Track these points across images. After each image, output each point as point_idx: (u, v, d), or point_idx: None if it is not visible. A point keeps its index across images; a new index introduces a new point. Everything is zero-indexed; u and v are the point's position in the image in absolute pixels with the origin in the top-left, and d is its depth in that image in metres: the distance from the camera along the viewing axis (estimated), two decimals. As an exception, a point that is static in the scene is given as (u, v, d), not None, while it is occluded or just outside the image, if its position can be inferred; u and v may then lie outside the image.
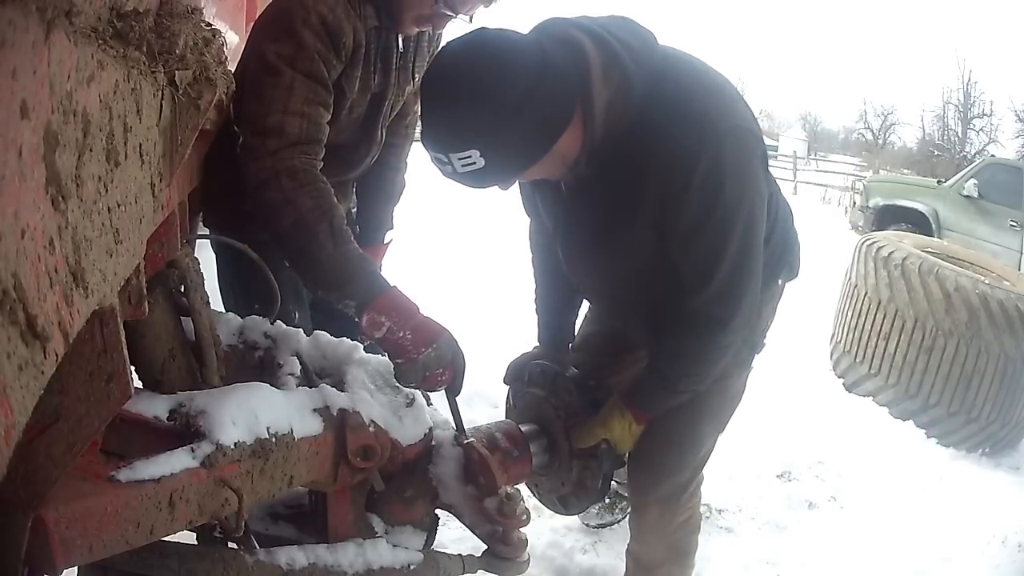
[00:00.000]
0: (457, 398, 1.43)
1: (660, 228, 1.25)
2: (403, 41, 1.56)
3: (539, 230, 1.64)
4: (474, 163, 1.09)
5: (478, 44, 1.10)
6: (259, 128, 1.33)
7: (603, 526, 2.28)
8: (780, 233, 1.47)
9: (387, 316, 1.29)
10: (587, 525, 2.29)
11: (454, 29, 1.53)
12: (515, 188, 1.41)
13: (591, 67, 1.14)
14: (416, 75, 1.66)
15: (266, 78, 1.33)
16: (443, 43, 1.70)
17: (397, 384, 1.39)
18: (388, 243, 2.02)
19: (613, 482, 1.69)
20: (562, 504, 1.64)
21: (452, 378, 1.38)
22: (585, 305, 1.75)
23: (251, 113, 1.34)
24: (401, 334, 1.30)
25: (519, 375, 1.70)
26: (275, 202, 1.31)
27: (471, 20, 1.49)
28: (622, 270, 1.39)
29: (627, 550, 1.76)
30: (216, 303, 1.52)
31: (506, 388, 1.77)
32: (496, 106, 1.06)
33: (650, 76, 1.17)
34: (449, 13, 1.44)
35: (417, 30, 1.52)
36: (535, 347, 1.75)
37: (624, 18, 1.26)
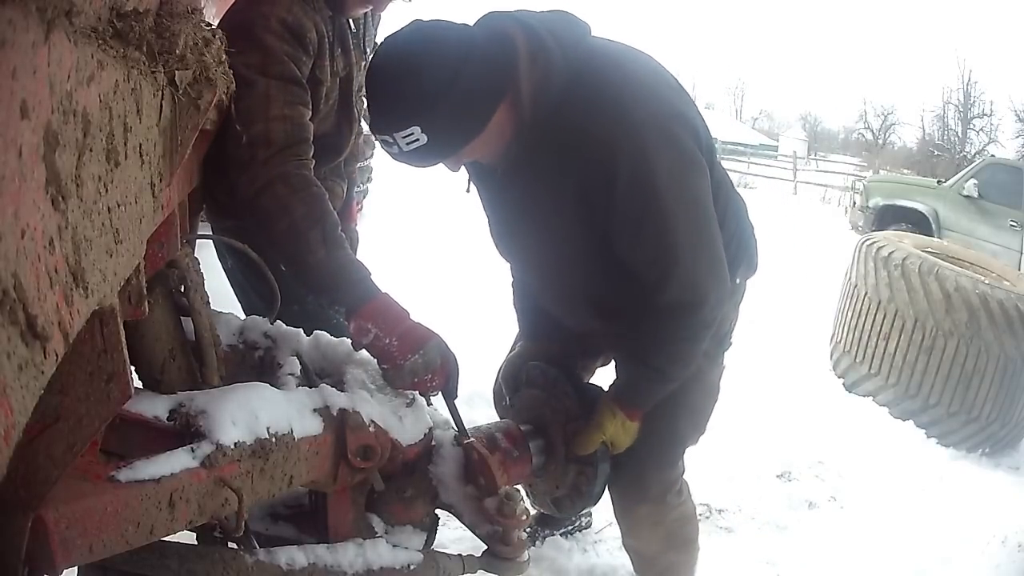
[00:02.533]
0: (456, 400, 1.44)
1: (588, 221, 1.27)
2: (353, 22, 1.65)
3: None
4: (417, 140, 1.16)
5: (409, 32, 1.19)
6: (244, 139, 1.33)
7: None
8: (733, 226, 1.46)
9: (373, 323, 1.31)
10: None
11: (395, 9, 1.64)
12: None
13: (518, 52, 1.22)
14: (367, 50, 1.76)
15: (241, 91, 1.33)
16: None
17: (395, 385, 1.39)
18: (363, 195, 2.20)
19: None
20: (556, 506, 1.64)
21: (445, 382, 1.39)
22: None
23: (233, 127, 1.34)
24: (387, 340, 1.31)
25: (515, 374, 1.70)
26: (270, 209, 1.32)
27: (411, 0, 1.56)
28: (559, 258, 1.40)
29: (624, 543, 1.77)
30: (222, 303, 1.52)
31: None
32: (428, 82, 1.14)
33: (574, 65, 1.22)
34: None
35: (361, 10, 1.60)
36: (519, 344, 1.74)
37: (562, 11, 1.31)
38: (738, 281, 1.52)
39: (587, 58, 1.24)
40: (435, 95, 1.14)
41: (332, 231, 1.34)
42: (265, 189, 1.32)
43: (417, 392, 1.38)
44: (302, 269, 1.33)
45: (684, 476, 1.69)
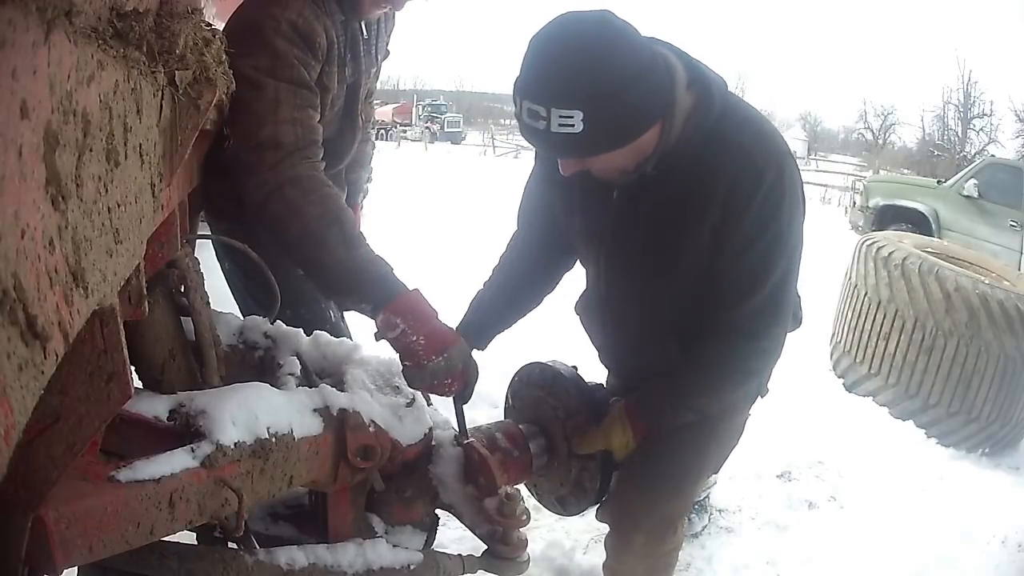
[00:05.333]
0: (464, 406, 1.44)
1: (717, 237, 1.26)
2: (366, 27, 1.60)
3: (526, 242, 1.59)
4: (572, 126, 1.08)
5: (604, 18, 1.12)
6: (253, 143, 1.31)
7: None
8: None
9: (403, 318, 1.29)
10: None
11: (413, 8, 1.59)
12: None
13: (676, 77, 1.20)
14: (378, 57, 1.71)
15: (250, 93, 1.31)
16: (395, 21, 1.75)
17: (397, 384, 1.39)
18: (363, 195, 2.15)
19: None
20: (560, 504, 1.64)
21: (462, 388, 1.39)
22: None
23: (240, 130, 1.33)
24: (414, 338, 1.30)
25: (516, 375, 1.70)
26: (280, 214, 1.30)
27: None
28: (662, 284, 1.37)
29: (604, 564, 1.67)
30: (222, 303, 1.52)
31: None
32: (611, 76, 1.07)
33: (726, 100, 1.25)
34: None
35: (378, 12, 1.55)
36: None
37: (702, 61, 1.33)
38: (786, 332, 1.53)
39: (732, 101, 1.27)
40: (613, 89, 1.07)
41: (351, 229, 1.32)
42: (274, 194, 1.30)
43: (430, 393, 1.38)
44: (322, 271, 1.31)
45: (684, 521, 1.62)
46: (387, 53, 1.81)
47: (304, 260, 1.33)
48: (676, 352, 1.42)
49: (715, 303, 1.31)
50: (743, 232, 1.23)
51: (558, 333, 2.12)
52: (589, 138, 1.09)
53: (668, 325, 1.43)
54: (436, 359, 1.31)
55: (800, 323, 1.58)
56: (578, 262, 1.58)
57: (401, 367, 1.36)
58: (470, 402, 1.47)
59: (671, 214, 1.29)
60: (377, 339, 1.35)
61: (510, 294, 1.58)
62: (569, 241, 1.52)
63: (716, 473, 1.59)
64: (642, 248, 1.36)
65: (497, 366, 1.79)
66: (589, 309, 1.58)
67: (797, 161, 1.29)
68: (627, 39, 1.10)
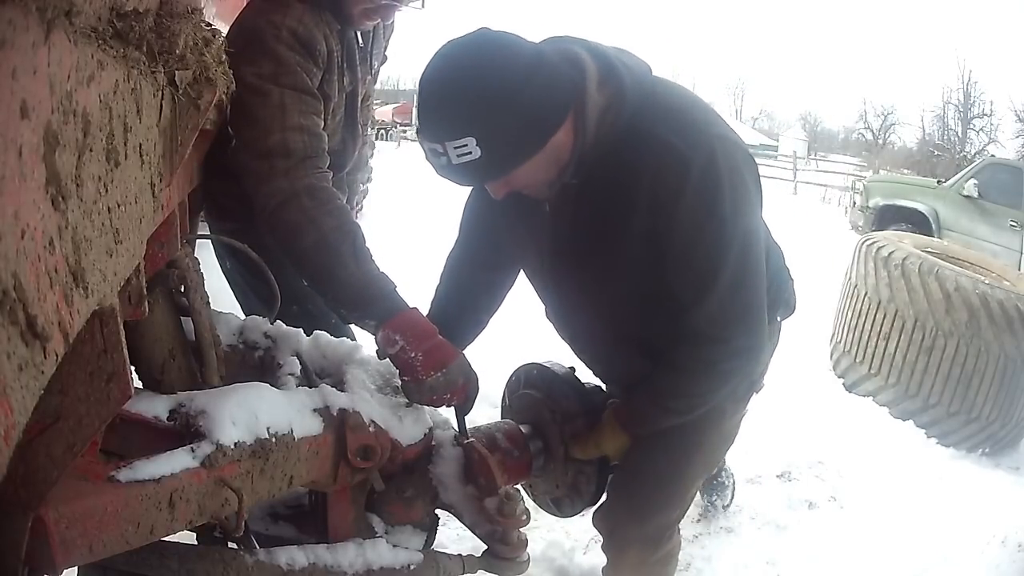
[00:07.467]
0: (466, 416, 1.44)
1: (652, 240, 1.20)
2: (361, 36, 1.59)
3: (463, 257, 1.58)
4: (470, 153, 1.06)
5: (475, 38, 1.11)
6: (261, 150, 1.31)
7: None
8: (773, 271, 1.41)
9: (401, 335, 1.30)
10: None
11: (407, 18, 1.59)
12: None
13: (587, 74, 1.16)
14: (373, 64, 1.70)
15: (254, 100, 1.31)
16: (394, 28, 1.74)
17: (398, 384, 1.40)
18: (362, 195, 2.13)
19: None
20: (556, 506, 1.64)
21: (463, 401, 1.40)
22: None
23: (248, 137, 1.32)
24: (413, 354, 1.30)
25: (514, 375, 1.71)
26: (296, 222, 1.30)
27: (423, 5, 1.52)
28: (611, 296, 1.33)
29: (603, 569, 1.64)
30: (222, 303, 1.52)
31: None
32: (492, 94, 1.05)
33: (643, 91, 1.19)
34: (394, 2, 1.47)
35: (369, 23, 1.54)
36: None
37: (623, 49, 1.27)
38: (779, 320, 1.49)
39: (652, 88, 1.20)
40: (497, 105, 1.05)
41: (361, 244, 1.33)
42: (289, 202, 1.30)
43: (428, 405, 1.38)
44: (331, 283, 1.31)
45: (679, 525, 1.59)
46: (384, 58, 1.80)
47: (314, 270, 1.32)
48: (643, 363, 1.38)
49: (674, 308, 1.26)
50: (681, 228, 1.17)
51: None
52: (491, 160, 1.08)
53: (627, 336, 1.38)
54: (435, 375, 1.31)
55: (793, 309, 1.53)
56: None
57: (400, 382, 1.37)
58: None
59: (600, 222, 1.24)
60: (380, 357, 1.37)
61: (451, 316, 1.54)
62: (511, 258, 1.51)
63: (710, 472, 1.56)
64: (581, 261, 1.32)
65: (498, 366, 1.79)
66: (553, 319, 1.57)
67: (738, 144, 1.20)
68: (503, 53, 1.08)
